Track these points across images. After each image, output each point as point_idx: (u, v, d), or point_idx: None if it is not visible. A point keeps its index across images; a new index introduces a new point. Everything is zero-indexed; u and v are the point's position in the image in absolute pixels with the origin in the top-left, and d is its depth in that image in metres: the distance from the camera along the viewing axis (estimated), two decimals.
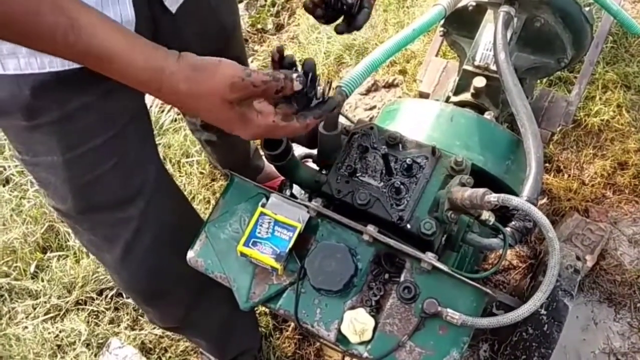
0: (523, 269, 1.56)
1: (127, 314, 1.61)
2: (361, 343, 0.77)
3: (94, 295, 1.64)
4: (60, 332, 1.60)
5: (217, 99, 0.63)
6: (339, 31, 0.86)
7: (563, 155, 1.71)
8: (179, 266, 0.89)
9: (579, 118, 1.74)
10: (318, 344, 1.48)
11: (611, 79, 1.78)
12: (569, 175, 1.68)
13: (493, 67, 1.15)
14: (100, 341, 1.57)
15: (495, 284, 1.55)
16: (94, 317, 1.62)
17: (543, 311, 1.20)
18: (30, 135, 0.80)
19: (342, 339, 0.78)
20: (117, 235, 0.91)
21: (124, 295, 1.64)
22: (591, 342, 1.44)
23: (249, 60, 2.22)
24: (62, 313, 1.64)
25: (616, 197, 1.62)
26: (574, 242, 1.55)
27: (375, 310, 0.79)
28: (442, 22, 1.39)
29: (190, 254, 0.87)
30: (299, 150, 1.03)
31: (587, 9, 1.22)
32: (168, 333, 1.55)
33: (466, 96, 1.23)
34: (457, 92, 1.25)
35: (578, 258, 1.33)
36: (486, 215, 0.81)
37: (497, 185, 1.05)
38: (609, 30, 1.58)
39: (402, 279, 0.79)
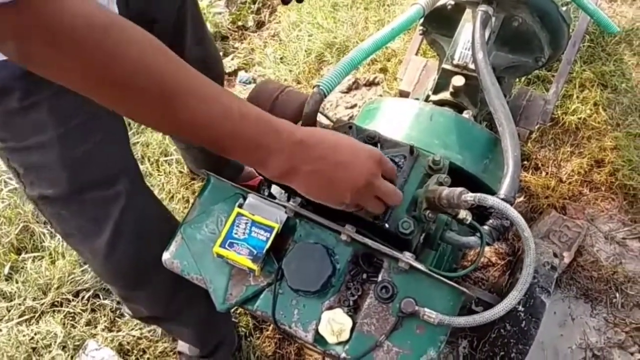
0: (502, 266, 1.58)
1: (105, 315, 1.58)
2: (339, 343, 0.77)
3: (70, 297, 1.61)
4: (35, 334, 1.56)
5: (374, 159, 0.70)
6: (284, 1, 0.98)
7: (541, 153, 1.73)
8: (163, 245, 0.90)
9: (556, 116, 1.76)
10: (298, 343, 1.48)
11: (588, 77, 1.81)
12: (547, 173, 1.70)
13: (472, 66, 1.16)
14: (77, 343, 1.54)
15: (474, 281, 1.57)
16: (70, 318, 1.59)
17: (521, 308, 1.21)
18: (22, 118, 0.81)
19: (319, 339, 0.77)
20: (107, 215, 0.93)
21: (101, 297, 1.61)
22: (568, 338, 1.46)
23: (230, 57, 2.20)
24: (37, 315, 1.61)
25: (593, 195, 1.65)
26: (552, 239, 1.57)
27: (353, 310, 0.79)
28: (421, 21, 1.39)
29: (165, 256, 0.85)
30: None
31: (564, 8, 1.24)
32: (146, 334, 1.53)
33: (445, 95, 1.23)
34: (436, 91, 1.25)
35: (555, 255, 1.35)
36: (463, 214, 0.82)
37: (475, 184, 1.05)
38: (586, 29, 1.60)
39: (379, 278, 0.79)
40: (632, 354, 1.41)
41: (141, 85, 0.54)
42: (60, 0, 0.49)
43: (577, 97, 1.78)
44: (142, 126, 1.94)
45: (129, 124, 1.83)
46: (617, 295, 1.48)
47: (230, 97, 0.61)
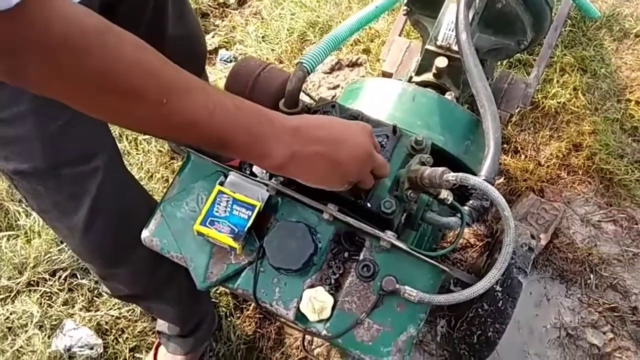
0: (480, 247, 1.60)
1: (82, 295, 1.57)
2: (320, 321, 0.77)
3: (47, 276, 1.59)
4: (11, 314, 1.54)
5: (368, 132, 0.71)
6: None
7: (520, 137, 1.75)
8: (142, 221, 0.89)
9: (536, 100, 1.77)
10: (279, 322, 1.49)
11: (568, 62, 1.83)
12: (526, 156, 1.72)
13: (455, 48, 1.16)
14: (54, 323, 1.52)
15: (453, 261, 1.59)
16: (47, 298, 1.57)
17: (498, 288, 1.23)
18: None
19: (300, 317, 0.78)
20: (84, 192, 0.91)
21: (79, 276, 1.59)
22: (543, 317, 1.50)
23: (210, 35, 2.16)
24: (12, 295, 1.58)
25: (570, 178, 1.68)
26: (529, 221, 1.59)
27: (335, 289, 0.79)
28: (405, 1, 1.38)
29: (144, 234, 0.84)
30: None
31: None
32: (125, 313, 1.52)
33: (428, 76, 1.23)
34: (419, 72, 1.24)
35: (532, 236, 1.37)
36: (445, 194, 0.82)
37: (456, 165, 1.06)
38: (568, 14, 1.61)
39: (361, 257, 0.79)
40: (604, 333, 1.46)
41: (139, 87, 0.52)
42: (53, 7, 0.46)
43: (557, 81, 1.80)
44: None
45: None
46: (592, 276, 1.52)
47: (220, 91, 0.60)
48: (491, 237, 1.60)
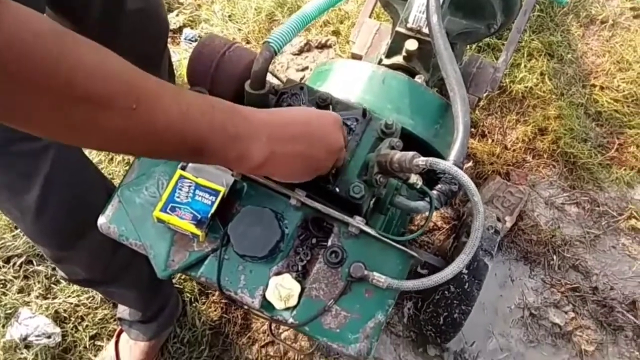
0: (447, 229, 1.61)
1: (39, 282, 1.50)
2: (286, 309, 0.75)
3: (1, 263, 1.52)
4: None
5: (339, 124, 0.70)
6: None
7: (488, 121, 1.76)
8: (98, 202, 0.85)
9: (504, 84, 1.78)
10: (244, 310, 1.47)
11: (536, 47, 1.84)
12: (493, 140, 1.73)
13: (425, 31, 1.14)
14: (9, 312, 1.45)
15: (420, 244, 1.59)
16: (1, 286, 1.50)
17: (465, 270, 1.24)
18: None
19: (267, 305, 0.76)
20: (36, 169, 0.87)
21: (35, 263, 1.52)
22: (508, 298, 1.52)
23: (174, 13, 2.08)
24: None
25: (535, 162, 1.70)
26: (495, 204, 1.61)
27: (302, 276, 0.77)
28: None
29: (101, 220, 0.80)
30: None
31: None
32: (85, 301, 1.47)
33: (398, 59, 1.20)
34: (389, 55, 1.22)
35: (498, 219, 1.38)
36: (414, 178, 0.81)
37: (425, 149, 1.05)
38: None
39: (329, 243, 0.78)
40: (566, 312, 1.49)
41: (105, 93, 0.45)
42: (7, 9, 0.40)
43: (525, 66, 1.81)
44: None
45: None
46: (555, 257, 1.55)
47: (192, 92, 0.54)
48: (458, 220, 1.61)
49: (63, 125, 0.45)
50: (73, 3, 1.03)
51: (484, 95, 1.53)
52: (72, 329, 1.45)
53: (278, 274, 0.76)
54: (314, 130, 0.66)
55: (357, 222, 0.76)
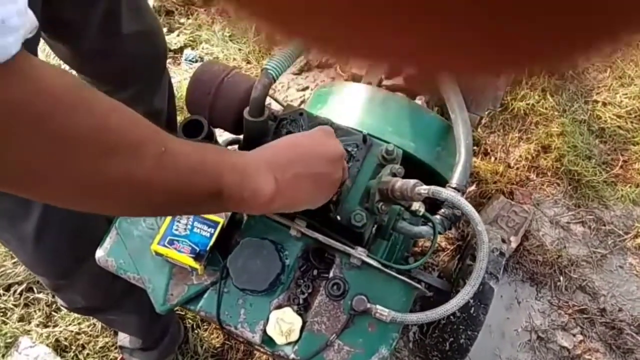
0: (451, 251, 1.59)
1: (39, 309, 1.48)
2: (288, 344, 0.73)
3: (1, 291, 1.50)
4: None
5: (330, 134, 0.68)
6: None
7: (490, 139, 1.75)
8: (98, 230, 0.83)
9: (505, 102, 1.77)
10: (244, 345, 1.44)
11: None
12: (496, 159, 1.72)
13: None
14: (9, 341, 1.43)
15: (424, 266, 1.57)
16: (1, 314, 1.48)
17: None
18: None
19: (267, 340, 0.74)
20: None
21: (35, 290, 1.50)
22: (514, 321, 1.49)
23: (175, 33, 2.09)
24: None
25: (539, 180, 1.68)
26: (500, 224, 1.59)
27: (303, 309, 0.75)
28: None
29: (99, 253, 0.79)
30: (224, 136, 0.97)
31: None
32: (85, 329, 1.45)
33: (398, 80, 1.20)
34: (389, 76, 1.22)
35: (504, 240, 1.36)
36: (416, 205, 0.79)
37: (427, 172, 1.03)
38: None
39: (331, 275, 0.76)
40: (574, 335, 1.46)
41: (137, 140, 0.44)
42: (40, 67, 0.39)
43: (526, 82, 1.80)
44: None
45: None
46: (561, 278, 1.53)
47: (195, 142, 0.54)
48: (462, 241, 1.59)
49: (98, 183, 0.43)
50: (69, 28, 1.03)
51: (486, 113, 1.52)
52: (73, 358, 1.43)
53: (279, 307, 0.74)
54: (306, 148, 0.65)
55: (359, 252, 0.75)
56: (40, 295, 1.50)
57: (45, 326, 1.46)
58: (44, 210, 0.86)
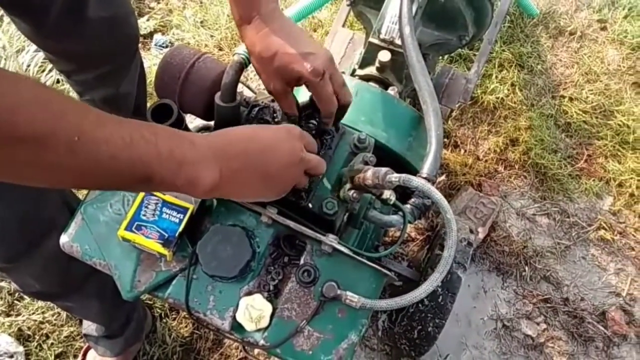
0: (420, 241, 1.61)
1: (1, 298, 1.44)
2: (258, 330, 0.73)
3: None
4: None
5: (295, 135, 0.67)
6: None
7: (460, 131, 1.77)
8: (55, 217, 0.80)
9: (476, 95, 1.80)
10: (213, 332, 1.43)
11: (507, 58, 1.86)
12: (465, 151, 1.74)
13: (398, 42, 1.13)
14: None
15: (394, 255, 1.59)
16: None
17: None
18: None
19: (237, 327, 0.73)
20: None
21: None
22: (481, 310, 1.53)
23: (145, 18, 2.04)
24: None
25: (507, 172, 1.72)
26: (468, 215, 1.62)
27: (274, 295, 0.75)
28: None
29: (63, 239, 0.76)
30: (195, 122, 0.95)
31: None
32: (50, 318, 1.41)
33: (371, 70, 1.20)
34: (362, 66, 1.22)
35: (471, 231, 1.39)
36: (387, 194, 0.80)
37: (398, 162, 1.04)
38: (508, 10, 1.63)
39: (301, 262, 0.76)
40: (538, 324, 1.50)
41: (47, 129, 0.44)
42: None
43: (496, 77, 1.83)
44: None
45: None
46: (526, 268, 1.56)
47: (134, 121, 0.53)
48: (431, 231, 1.61)
49: (7, 165, 0.44)
50: (31, 7, 1.00)
51: (457, 106, 1.54)
52: (36, 348, 1.39)
53: (249, 294, 0.74)
54: (261, 145, 0.64)
55: (330, 240, 0.75)
56: (3, 284, 1.45)
57: (8, 315, 1.42)
58: None
